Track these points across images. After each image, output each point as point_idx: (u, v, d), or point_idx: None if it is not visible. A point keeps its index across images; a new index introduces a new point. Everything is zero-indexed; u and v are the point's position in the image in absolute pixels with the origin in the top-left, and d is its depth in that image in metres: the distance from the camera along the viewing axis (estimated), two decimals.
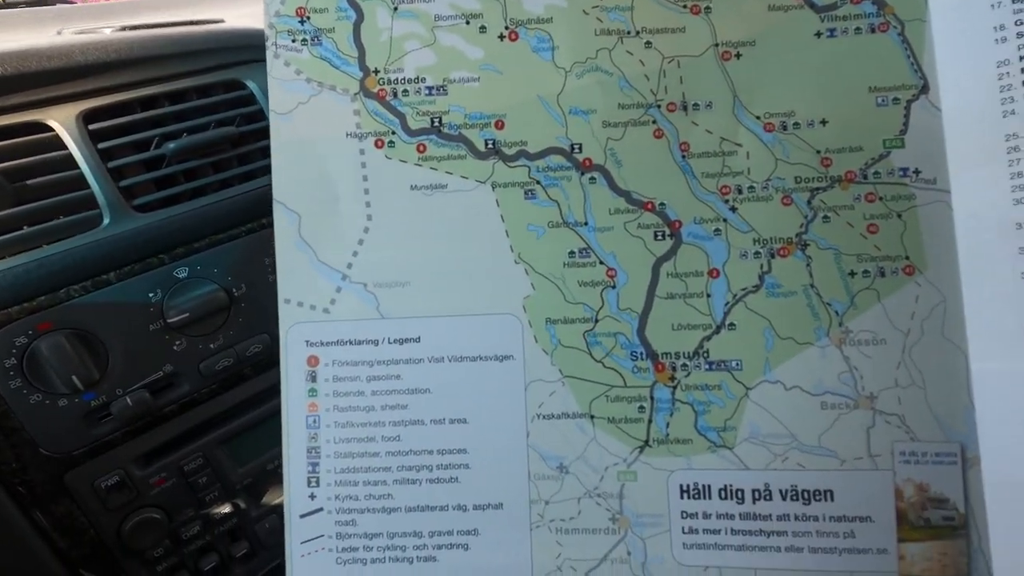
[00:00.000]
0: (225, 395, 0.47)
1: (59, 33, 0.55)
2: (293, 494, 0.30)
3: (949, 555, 0.27)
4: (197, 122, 0.49)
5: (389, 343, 0.30)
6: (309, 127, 0.30)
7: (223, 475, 0.47)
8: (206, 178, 0.48)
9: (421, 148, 0.30)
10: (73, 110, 0.45)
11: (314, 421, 0.30)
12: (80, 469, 0.41)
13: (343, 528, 0.29)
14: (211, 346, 0.45)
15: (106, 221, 0.43)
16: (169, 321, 0.41)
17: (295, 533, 0.29)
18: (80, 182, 0.43)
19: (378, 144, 0.30)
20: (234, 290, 0.45)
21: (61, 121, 0.44)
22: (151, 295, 0.42)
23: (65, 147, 0.44)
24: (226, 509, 0.47)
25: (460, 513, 0.29)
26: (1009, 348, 0.26)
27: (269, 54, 0.30)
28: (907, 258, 0.28)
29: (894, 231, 0.28)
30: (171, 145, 0.46)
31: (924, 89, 0.28)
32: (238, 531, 0.48)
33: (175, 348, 0.43)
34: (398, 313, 0.30)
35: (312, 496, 0.30)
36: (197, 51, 0.53)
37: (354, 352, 0.30)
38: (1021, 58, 0.26)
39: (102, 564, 0.43)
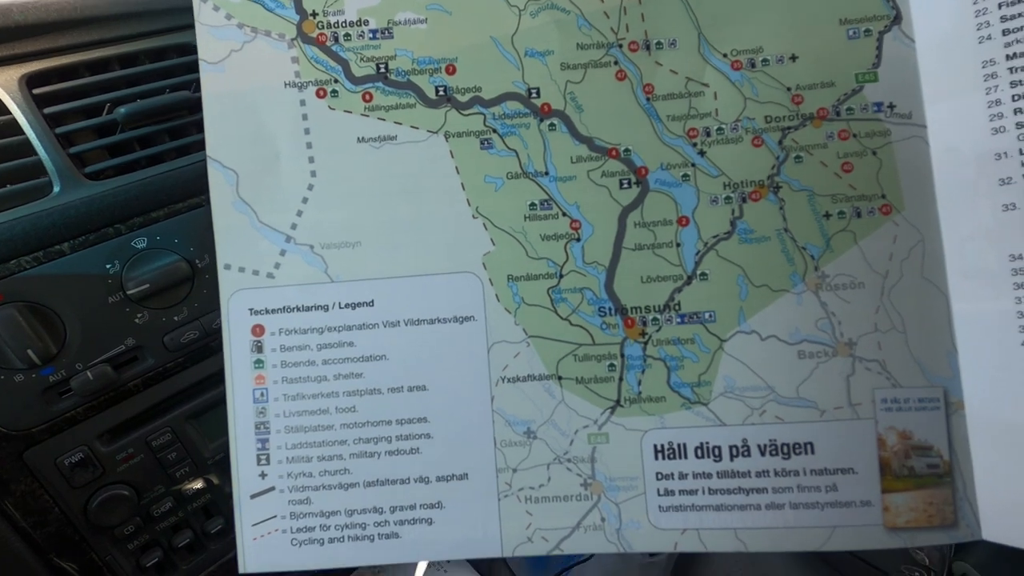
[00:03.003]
0: (192, 368, 0.45)
1: None
2: (241, 474, 0.27)
3: (935, 504, 0.25)
4: (150, 87, 0.47)
5: (340, 308, 0.28)
6: (243, 77, 0.28)
7: (194, 450, 0.45)
8: (163, 145, 0.46)
9: (367, 97, 0.28)
10: (15, 73, 0.43)
11: (261, 395, 0.28)
12: (41, 446, 0.40)
13: (297, 507, 0.27)
14: (175, 318, 0.43)
15: (56, 189, 0.41)
16: (129, 293, 0.40)
17: (245, 515, 0.27)
18: (26, 148, 0.41)
19: (320, 94, 0.28)
20: (197, 261, 0.43)
21: (2, 85, 0.42)
22: (108, 266, 0.40)
23: (8, 112, 0.41)
24: (198, 485, 0.46)
25: (423, 486, 0.27)
26: (991, 286, 0.25)
27: None
28: (883, 197, 0.27)
29: (869, 169, 0.27)
30: (122, 110, 0.44)
31: (896, 19, 0.27)
32: (212, 507, 0.47)
33: (137, 321, 0.41)
34: (349, 275, 0.28)
35: (262, 475, 0.27)
36: (148, 12, 0.50)
37: (302, 319, 0.28)
38: None
39: (70, 545, 0.42)
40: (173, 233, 0.43)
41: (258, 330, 0.28)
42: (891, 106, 0.27)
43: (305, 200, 0.28)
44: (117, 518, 0.41)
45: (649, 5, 0.28)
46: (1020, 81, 0.24)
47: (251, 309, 0.28)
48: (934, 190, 0.26)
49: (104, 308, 0.40)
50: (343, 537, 0.27)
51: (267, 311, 0.28)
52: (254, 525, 0.27)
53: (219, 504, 0.47)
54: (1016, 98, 0.24)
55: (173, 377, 0.44)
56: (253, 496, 0.27)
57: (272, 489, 0.27)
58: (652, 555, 0.66)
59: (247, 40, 0.28)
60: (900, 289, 0.26)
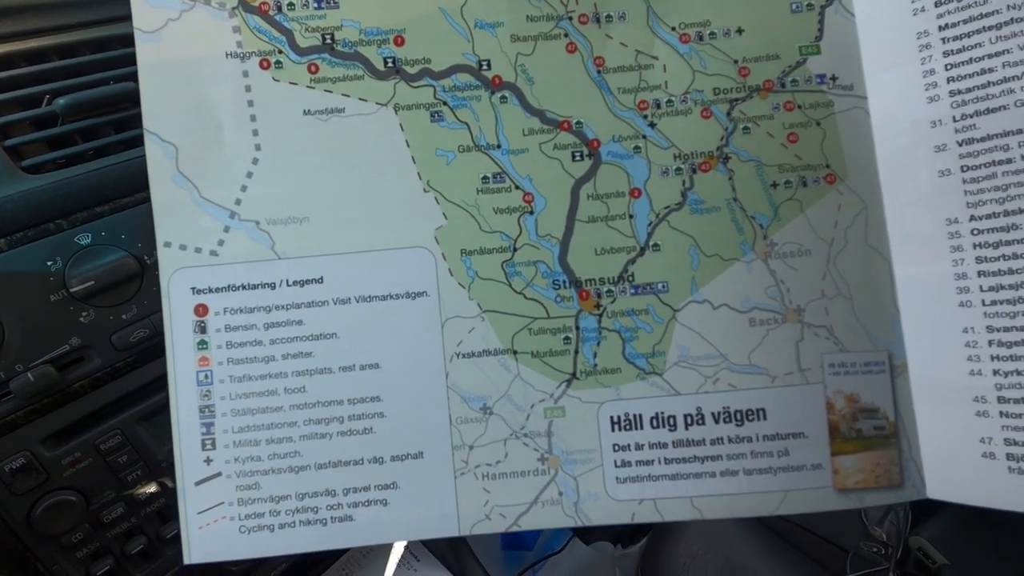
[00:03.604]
0: (143, 368, 0.44)
1: None
2: (185, 460, 0.26)
3: (882, 465, 0.26)
4: (93, 78, 0.45)
5: (288, 285, 0.27)
6: (182, 47, 0.27)
7: (146, 453, 0.43)
8: (107, 138, 0.44)
9: (313, 68, 0.27)
10: None
11: (206, 377, 0.27)
12: None
13: (246, 493, 0.26)
14: (123, 316, 0.42)
15: None
16: (72, 291, 0.39)
17: (190, 504, 0.26)
18: None
19: (263, 65, 0.27)
20: (146, 257, 0.42)
21: None
22: (50, 263, 0.39)
23: None
24: (151, 489, 0.44)
25: (376, 466, 0.27)
26: (929, 250, 0.26)
27: None
28: (828, 166, 0.27)
29: (814, 139, 0.27)
30: (61, 101, 0.42)
31: None
32: (167, 511, 0.45)
33: (82, 319, 0.40)
34: (297, 252, 0.27)
35: (208, 460, 0.26)
36: (88, 1, 0.48)
37: (248, 297, 0.27)
38: None
39: (14, 556, 0.40)
40: (119, 228, 0.41)
41: (201, 310, 0.27)
42: (833, 78, 0.28)
43: (250, 175, 0.27)
44: (64, 525, 0.40)
45: None
46: (952, 51, 0.25)
47: (193, 288, 0.27)
48: (875, 159, 0.27)
49: (46, 307, 0.38)
50: (294, 522, 0.26)
51: (210, 290, 0.27)
52: (199, 513, 0.26)
53: (174, 508, 0.46)
54: (949, 67, 0.25)
55: (122, 378, 0.43)
56: (198, 483, 0.26)
57: (218, 475, 0.26)
58: (625, 547, 0.66)
59: (185, 8, 0.27)
60: (845, 256, 0.27)
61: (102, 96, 0.44)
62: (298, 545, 0.26)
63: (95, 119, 0.44)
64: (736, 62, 0.28)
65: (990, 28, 0.24)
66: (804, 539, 0.50)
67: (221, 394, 0.26)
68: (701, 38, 0.28)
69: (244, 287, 0.27)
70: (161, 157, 0.27)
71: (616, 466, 0.27)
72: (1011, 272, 0.24)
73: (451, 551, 0.61)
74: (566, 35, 0.28)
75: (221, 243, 0.27)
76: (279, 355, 0.27)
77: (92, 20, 0.48)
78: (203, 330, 0.27)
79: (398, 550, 0.62)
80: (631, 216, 0.28)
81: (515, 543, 0.65)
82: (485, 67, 0.28)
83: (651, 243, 0.27)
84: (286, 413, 0.27)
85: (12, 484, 0.38)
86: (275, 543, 0.26)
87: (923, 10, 0.26)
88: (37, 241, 0.39)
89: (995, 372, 0.24)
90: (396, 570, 0.61)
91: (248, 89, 0.27)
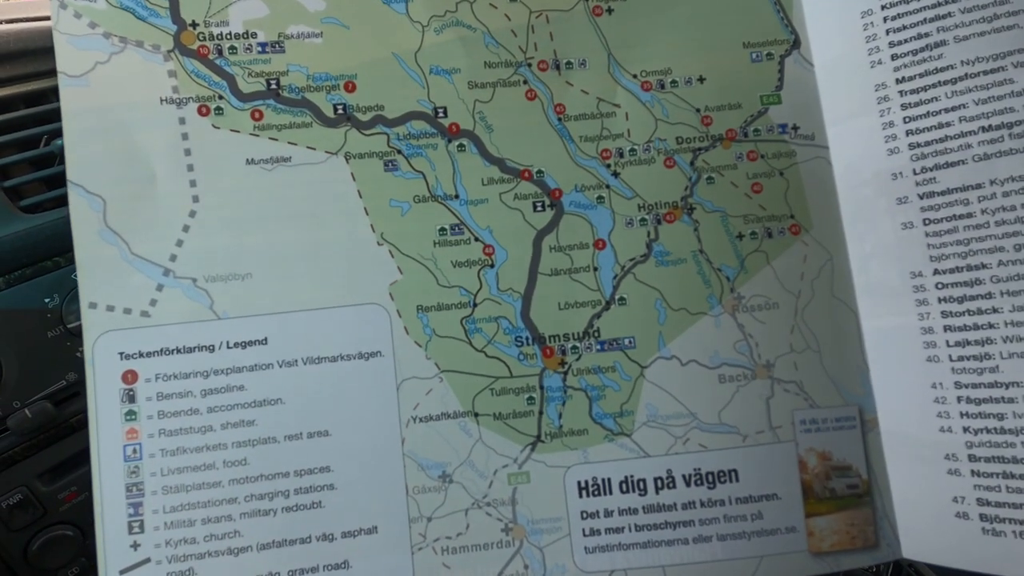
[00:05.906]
0: None
1: None
2: (109, 545, 0.24)
3: (856, 525, 0.25)
4: None
5: (228, 348, 0.25)
6: (111, 92, 0.25)
7: None
8: None
9: (256, 115, 0.25)
10: None
11: (134, 451, 0.24)
12: None
13: None
14: None
15: None
16: (70, 327, 0.40)
17: None
18: None
19: (202, 111, 0.25)
20: None
21: None
22: (47, 300, 0.40)
23: None
24: None
25: (326, 544, 0.25)
26: (895, 304, 0.25)
27: (54, 3, 0.25)
28: (792, 217, 0.27)
29: (778, 189, 0.27)
30: (59, 142, 0.43)
31: (796, 44, 0.28)
32: None
33: (79, 355, 0.40)
34: (238, 311, 0.25)
35: (135, 545, 0.24)
36: None
37: (184, 362, 0.25)
38: (883, 7, 0.26)
39: None
40: None
41: (130, 377, 0.24)
42: (795, 127, 0.27)
43: (186, 228, 0.25)
44: (61, 560, 0.40)
45: (557, 25, 0.27)
46: (910, 104, 0.25)
47: (121, 353, 0.24)
48: (839, 210, 0.27)
49: (43, 343, 0.39)
50: None
51: (141, 355, 0.24)
52: None
53: None
54: (907, 120, 0.25)
55: None
56: (124, 571, 0.24)
57: (147, 561, 0.24)
58: None
59: (115, 51, 0.25)
60: (812, 308, 0.26)
61: None
62: None
63: None
64: (698, 111, 0.27)
65: (946, 83, 0.24)
66: None
67: (151, 470, 0.24)
68: (663, 86, 0.27)
69: (179, 350, 0.25)
70: (87, 211, 0.24)
71: (584, 535, 0.25)
72: (976, 328, 0.24)
73: None
74: (525, 82, 0.27)
75: (154, 303, 0.25)
76: (218, 424, 0.24)
77: None
78: (131, 399, 0.24)
79: None
80: (596, 268, 0.27)
81: None
82: (441, 114, 0.26)
83: (617, 297, 0.26)
84: (225, 489, 0.24)
85: (9, 520, 0.38)
86: None
87: (880, 63, 0.26)
88: (35, 279, 0.40)
89: (965, 429, 0.24)
90: None
91: (185, 137, 0.25)
